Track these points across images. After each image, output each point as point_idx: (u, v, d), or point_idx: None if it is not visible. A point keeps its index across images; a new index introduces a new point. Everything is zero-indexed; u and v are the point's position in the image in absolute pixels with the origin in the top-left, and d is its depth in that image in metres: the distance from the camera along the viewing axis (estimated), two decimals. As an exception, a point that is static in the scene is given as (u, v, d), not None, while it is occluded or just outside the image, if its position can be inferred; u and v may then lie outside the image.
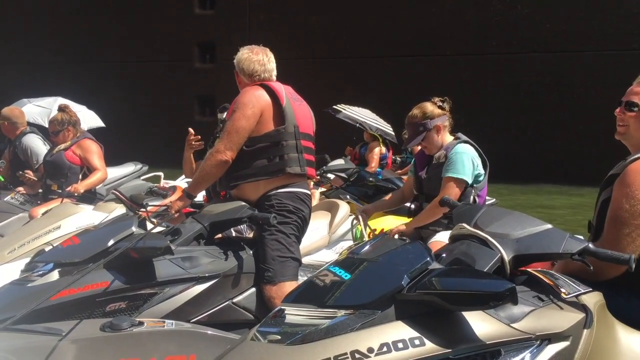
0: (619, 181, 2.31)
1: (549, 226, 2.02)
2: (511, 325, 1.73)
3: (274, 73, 3.23)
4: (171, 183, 8.27)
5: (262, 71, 3.17)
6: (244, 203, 3.01)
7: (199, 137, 4.06)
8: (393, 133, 7.66)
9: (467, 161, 3.59)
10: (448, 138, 3.76)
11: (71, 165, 5.12)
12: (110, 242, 2.71)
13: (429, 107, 3.75)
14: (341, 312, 1.69)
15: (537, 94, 16.63)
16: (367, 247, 1.97)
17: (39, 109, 9.60)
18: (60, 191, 5.00)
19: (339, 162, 7.52)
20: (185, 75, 19.93)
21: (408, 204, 4.04)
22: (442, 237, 3.54)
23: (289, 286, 2.93)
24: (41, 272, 2.83)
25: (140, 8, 20.01)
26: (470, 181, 3.59)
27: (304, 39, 18.24)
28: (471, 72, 17.29)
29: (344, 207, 4.74)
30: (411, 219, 6.24)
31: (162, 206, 4.96)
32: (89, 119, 9.61)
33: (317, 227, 4.36)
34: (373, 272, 1.80)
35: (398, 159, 9.08)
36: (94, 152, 5.15)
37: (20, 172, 5.47)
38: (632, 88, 2.50)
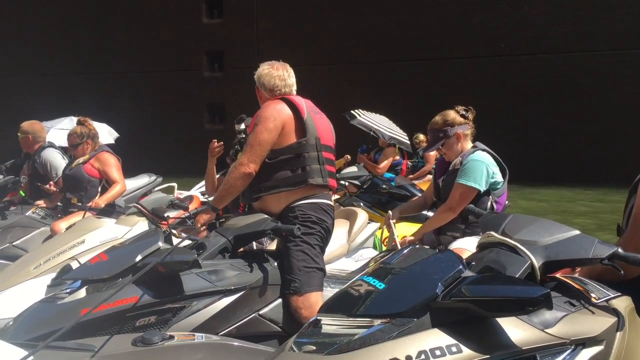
0: None
1: (577, 232, 2.05)
2: (545, 330, 1.76)
3: (294, 87, 3.28)
4: (185, 193, 8.32)
5: (283, 86, 3.23)
6: (266, 216, 3.04)
7: (222, 142, 4.11)
8: (408, 142, 7.64)
9: (481, 169, 3.59)
10: (469, 146, 3.78)
11: (90, 178, 5.17)
12: (138, 258, 2.75)
13: (451, 114, 3.78)
14: (377, 321, 1.73)
15: (546, 95, 16.61)
16: (398, 257, 2.01)
17: (63, 133, 9.71)
18: (80, 204, 5.06)
19: (353, 169, 7.52)
20: (194, 84, 20.03)
21: (426, 212, 4.07)
22: (460, 244, 3.56)
23: (315, 296, 2.97)
24: (69, 290, 2.87)
25: (147, 18, 20.16)
26: (482, 189, 3.59)
27: (312, 45, 18.31)
28: (480, 74, 17.28)
29: (362, 215, 4.76)
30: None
31: (180, 217, 5.01)
32: (104, 134, 9.69)
33: (336, 236, 4.37)
34: (407, 281, 1.83)
35: (409, 163, 9.09)
36: (113, 165, 5.20)
37: (39, 184, 5.54)
38: None
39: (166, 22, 19.96)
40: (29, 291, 3.89)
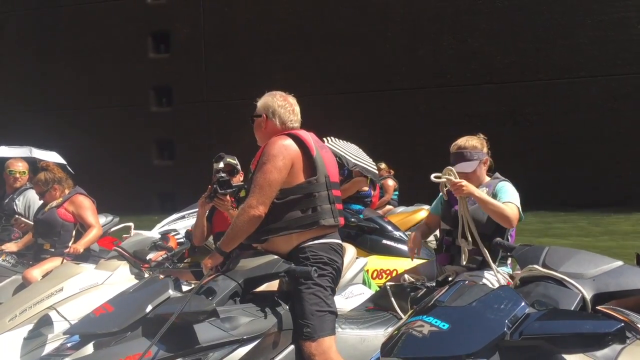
0: None
1: (620, 263, 2.07)
2: None
3: (300, 122, 3.19)
4: (143, 233, 8.03)
5: (295, 120, 3.12)
6: (277, 257, 2.92)
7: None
8: (376, 171, 7.55)
9: (517, 194, 3.61)
10: (485, 176, 3.79)
11: (64, 222, 4.92)
12: (149, 308, 2.59)
13: (482, 140, 3.82)
14: None
15: (492, 124, 17.03)
16: (449, 295, 1.96)
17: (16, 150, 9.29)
18: (53, 250, 4.81)
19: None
20: (142, 120, 19.62)
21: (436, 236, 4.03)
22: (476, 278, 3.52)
23: (329, 341, 2.85)
24: (70, 345, 2.67)
25: (92, 54, 19.71)
26: (522, 216, 3.57)
27: (262, 79, 18.23)
28: (428, 104, 17.66)
29: (350, 250, 4.67)
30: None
31: (160, 258, 4.80)
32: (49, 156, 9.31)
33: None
34: (472, 320, 1.81)
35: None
36: (87, 208, 4.96)
37: (16, 217, 5.28)
38: None
39: (112, 58, 19.56)
40: (4, 345, 3.65)
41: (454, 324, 1.80)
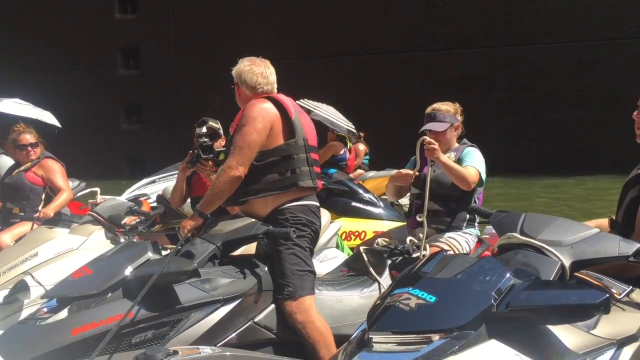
0: None
1: (597, 230, 2.10)
2: (591, 332, 1.77)
3: (275, 86, 3.17)
4: (117, 198, 7.95)
5: (265, 84, 3.11)
6: (254, 220, 2.94)
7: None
8: (352, 129, 7.42)
9: (483, 162, 3.75)
10: (454, 142, 3.84)
11: (33, 186, 4.84)
12: (128, 270, 2.59)
13: (458, 106, 3.89)
14: (436, 336, 1.70)
15: (462, 89, 17.13)
16: (432, 265, 1.97)
17: (17, 105, 9.07)
18: (22, 214, 4.73)
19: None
20: (109, 83, 19.21)
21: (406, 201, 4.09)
22: (443, 241, 3.59)
23: (309, 300, 2.91)
24: (47, 309, 2.66)
25: (58, 15, 19.11)
26: (483, 178, 3.69)
27: (229, 42, 17.99)
28: (399, 69, 17.63)
29: (325, 215, 4.69)
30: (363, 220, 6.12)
31: (133, 221, 4.77)
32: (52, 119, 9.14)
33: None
34: (459, 293, 1.81)
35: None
36: (58, 172, 4.88)
37: None
38: None
39: (77, 19, 18.99)
40: (-21, 311, 3.61)
41: (441, 296, 1.80)
